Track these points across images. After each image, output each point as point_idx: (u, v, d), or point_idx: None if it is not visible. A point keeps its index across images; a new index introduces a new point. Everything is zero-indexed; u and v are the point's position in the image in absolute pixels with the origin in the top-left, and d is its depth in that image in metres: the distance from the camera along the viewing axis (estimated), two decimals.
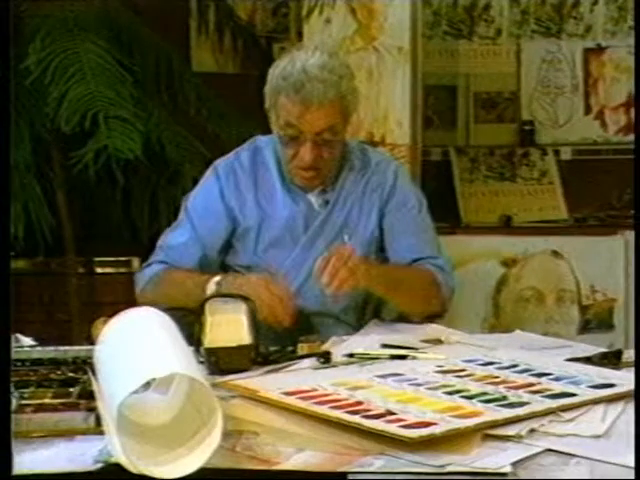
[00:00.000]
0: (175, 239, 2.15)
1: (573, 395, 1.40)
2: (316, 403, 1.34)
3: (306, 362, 1.65)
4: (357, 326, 2.07)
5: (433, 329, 1.98)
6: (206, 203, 2.14)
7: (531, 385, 1.46)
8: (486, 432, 1.24)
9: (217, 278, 1.94)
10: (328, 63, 2.01)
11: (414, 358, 1.67)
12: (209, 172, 2.18)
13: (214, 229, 2.13)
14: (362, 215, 2.12)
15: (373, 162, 2.17)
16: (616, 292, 3.52)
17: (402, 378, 1.50)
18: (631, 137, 3.86)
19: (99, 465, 1.14)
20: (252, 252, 2.11)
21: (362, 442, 1.21)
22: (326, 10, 3.12)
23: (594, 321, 3.55)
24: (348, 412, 1.29)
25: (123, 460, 1.10)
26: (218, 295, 1.77)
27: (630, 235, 3.42)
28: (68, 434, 1.25)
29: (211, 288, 1.92)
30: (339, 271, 1.81)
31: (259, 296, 1.80)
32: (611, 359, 1.64)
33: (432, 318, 2.10)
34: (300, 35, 3.16)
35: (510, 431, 1.24)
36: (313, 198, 2.12)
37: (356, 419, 1.25)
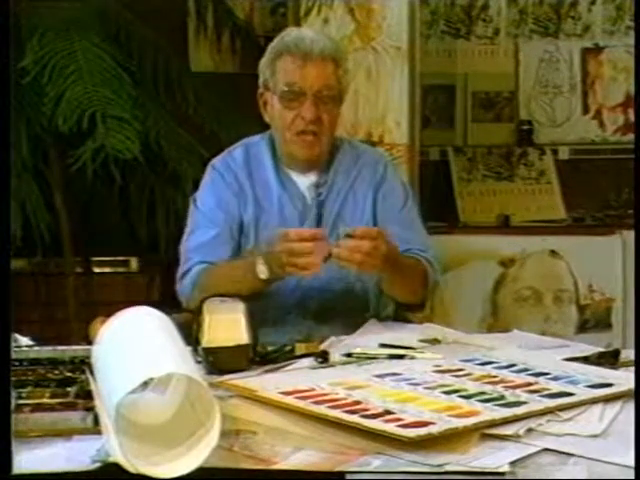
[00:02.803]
0: (200, 238, 2.13)
1: (571, 395, 1.40)
2: (314, 403, 1.34)
3: (304, 362, 1.65)
4: (356, 324, 2.06)
5: (431, 329, 1.98)
6: (217, 199, 2.15)
7: (529, 384, 1.46)
8: (484, 431, 1.24)
9: (260, 259, 1.93)
10: (324, 33, 2.24)
11: (412, 358, 1.67)
12: (209, 171, 2.21)
13: (233, 222, 2.13)
14: (356, 208, 2.16)
15: (363, 156, 2.22)
16: (614, 292, 3.52)
17: (400, 378, 1.50)
18: (629, 137, 3.87)
19: (97, 465, 1.14)
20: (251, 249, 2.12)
21: (360, 442, 1.21)
22: (324, 10, 3.13)
23: (592, 321, 3.56)
24: (346, 412, 1.29)
25: (121, 460, 1.10)
26: (216, 295, 1.77)
27: (628, 235, 3.42)
28: (66, 434, 1.24)
29: (261, 269, 1.92)
30: (368, 251, 1.82)
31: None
32: (609, 359, 1.64)
33: (412, 309, 2.16)
34: None
35: (508, 430, 1.24)
36: (306, 192, 2.15)
37: (354, 419, 1.25)
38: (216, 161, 2.22)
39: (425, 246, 2.17)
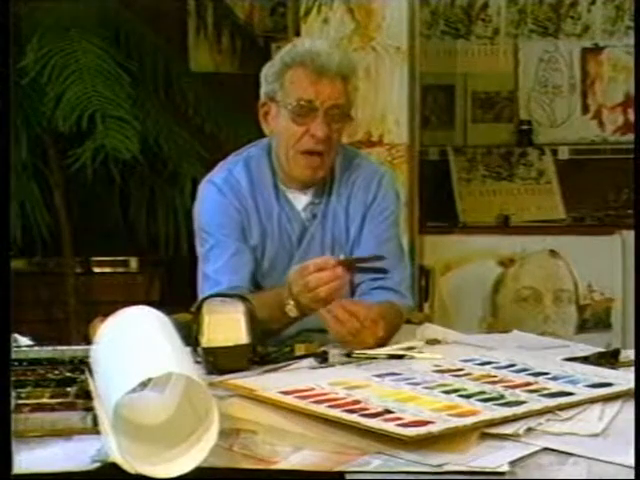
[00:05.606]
0: (223, 257, 2.03)
1: (570, 394, 1.40)
2: (314, 402, 1.34)
3: (304, 361, 1.65)
4: None
5: (430, 329, 1.98)
6: (223, 218, 2.05)
7: (529, 384, 1.46)
8: (484, 431, 1.24)
9: (289, 298, 1.84)
10: (337, 46, 2.09)
11: (411, 357, 1.67)
12: (208, 188, 2.09)
13: (243, 242, 2.05)
14: (347, 231, 2.08)
15: (357, 171, 2.11)
16: (614, 292, 3.53)
17: (399, 377, 1.50)
18: (628, 137, 3.88)
19: (96, 464, 1.14)
20: (255, 272, 2.06)
21: (360, 441, 1.21)
22: (324, 10, 3.13)
23: (592, 320, 3.56)
24: (346, 411, 1.29)
25: (120, 459, 1.10)
26: (215, 295, 1.77)
27: (628, 234, 3.42)
28: (65, 434, 1.24)
29: (290, 309, 1.84)
30: (360, 332, 1.76)
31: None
32: (608, 358, 1.64)
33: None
34: (298, 35, 3.17)
35: (508, 430, 1.24)
36: (302, 213, 2.08)
37: (354, 418, 1.25)
38: (216, 178, 2.09)
39: (397, 270, 2.04)
